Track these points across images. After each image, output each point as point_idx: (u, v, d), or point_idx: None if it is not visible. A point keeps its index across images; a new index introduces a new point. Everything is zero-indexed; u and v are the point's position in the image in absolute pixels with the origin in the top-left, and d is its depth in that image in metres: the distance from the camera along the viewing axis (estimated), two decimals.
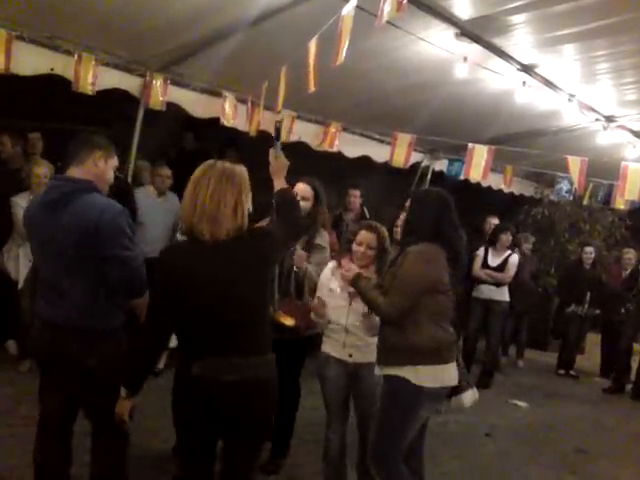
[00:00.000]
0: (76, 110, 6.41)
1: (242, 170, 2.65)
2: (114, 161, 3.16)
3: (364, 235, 3.55)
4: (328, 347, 3.66)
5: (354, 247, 3.55)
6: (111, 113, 6.73)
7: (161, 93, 5.79)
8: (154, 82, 5.73)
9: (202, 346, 2.58)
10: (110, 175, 3.13)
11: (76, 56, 5.15)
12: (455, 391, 3.24)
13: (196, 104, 6.11)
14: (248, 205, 2.62)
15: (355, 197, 7.48)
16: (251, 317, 2.62)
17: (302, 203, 3.74)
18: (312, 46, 4.09)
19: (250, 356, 2.59)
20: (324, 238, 4.04)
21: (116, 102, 6.07)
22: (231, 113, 6.16)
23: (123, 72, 5.64)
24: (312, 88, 4.16)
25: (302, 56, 4.18)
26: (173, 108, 6.07)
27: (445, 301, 3.17)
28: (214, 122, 6.25)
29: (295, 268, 3.82)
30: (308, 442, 4.62)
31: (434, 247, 3.14)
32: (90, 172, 3.00)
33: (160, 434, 4.28)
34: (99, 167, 3.04)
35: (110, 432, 2.99)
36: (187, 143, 8.58)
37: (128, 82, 5.70)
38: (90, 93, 5.31)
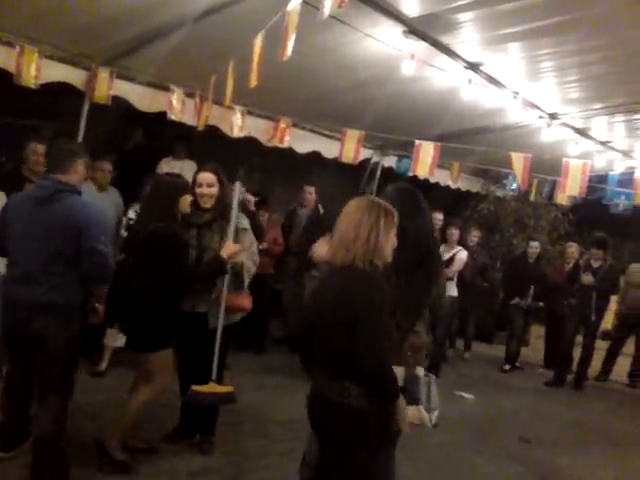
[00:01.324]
0: (20, 103, 6.25)
1: (386, 204, 2.89)
2: (87, 159, 3.76)
3: None
4: None
5: None
6: (57, 107, 6.59)
7: (107, 87, 5.68)
8: (100, 75, 5.61)
9: (315, 359, 2.88)
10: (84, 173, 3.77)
11: (18, 48, 5.01)
12: None
13: (143, 98, 6.01)
14: (387, 236, 2.80)
15: (310, 194, 7.51)
16: (339, 342, 2.71)
17: (209, 189, 4.10)
18: (257, 41, 4.08)
19: (339, 380, 2.72)
20: (244, 220, 4.30)
21: (61, 95, 5.94)
22: (179, 107, 6.08)
23: (68, 65, 5.50)
24: (253, 83, 4.17)
25: (250, 51, 4.16)
26: (120, 102, 5.97)
27: None
28: (162, 116, 6.18)
29: (229, 261, 3.99)
30: (282, 441, 4.69)
31: None
32: (72, 178, 3.60)
33: (103, 431, 4.23)
34: (79, 172, 3.66)
35: (57, 396, 3.55)
36: (137, 138, 8.46)
37: (73, 75, 5.58)
38: (33, 86, 5.17)
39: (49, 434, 3.53)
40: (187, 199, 4.02)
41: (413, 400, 3.11)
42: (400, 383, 3.07)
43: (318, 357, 2.85)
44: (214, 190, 4.12)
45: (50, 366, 3.51)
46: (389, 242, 2.82)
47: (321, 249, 3.34)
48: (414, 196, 3.35)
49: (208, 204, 4.12)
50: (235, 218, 4.08)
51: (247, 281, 4.25)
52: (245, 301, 4.32)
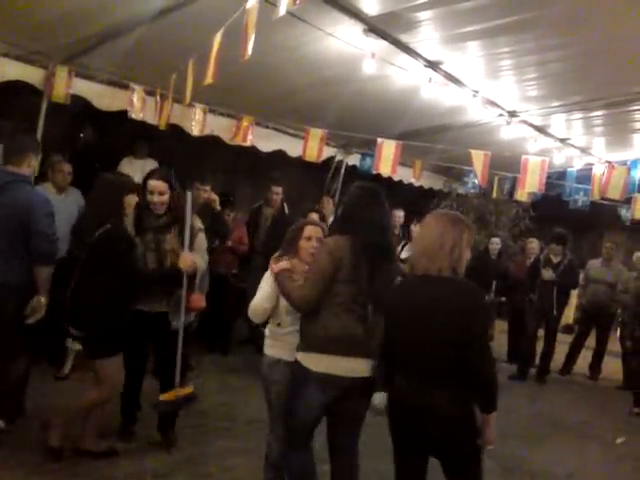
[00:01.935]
0: None
1: (465, 219, 3.02)
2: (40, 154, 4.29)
3: (312, 229, 3.59)
4: (277, 350, 3.57)
5: (303, 243, 3.55)
6: (13, 106, 6.47)
7: (65, 85, 5.60)
8: (58, 74, 5.53)
9: (404, 366, 2.89)
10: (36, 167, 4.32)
11: None
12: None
13: (103, 97, 5.95)
14: (467, 250, 2.94)
15: (277, 194, 7.48)
16: (442, 350, 2.75)
17: (160, 197, 4.13)
18: (217, 39, 4.06)
19: (433, 386, 2.76)
20: (198, 222, 4.42)
21: (19, 94, 5.83)
22: (139, 106, 6.02)
23: (25, 64, 5.42)
24: (209, 80, 4.18)
25: (210, 49, 4.14)
26: (78, 100, 5.88)
27: (344, 291, 3.21)
28: (123, 115, 6.11)
29: (186, 270, 4.09)
30: (247, 440, 4.66)
31: (341, 239, 3.27)
32: (25, 171, 3.98)
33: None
34: (32, 166, 4.08)
35: (17, 358, 4.09)
36: (87, 136, 8.32)
37: (30, 74, 5.49)
38: None
39: (16, 383, 4.12)
40: (132, 199, 4.08)
41: (382, 387, 3.21)
42: (369, 373, 3.23)
43: (410, 363, 2.86)
44: (165, 198, 4.16)
45: (7, 334, 3.93)
46: (467, 255, 2.95)
47: (276, 266, 3.45)
48: (375, 194, 3.43)
49: (160, 211, 4.19)
50: (189, 229, 4.14)
51: (199, 278, 4.29)
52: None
